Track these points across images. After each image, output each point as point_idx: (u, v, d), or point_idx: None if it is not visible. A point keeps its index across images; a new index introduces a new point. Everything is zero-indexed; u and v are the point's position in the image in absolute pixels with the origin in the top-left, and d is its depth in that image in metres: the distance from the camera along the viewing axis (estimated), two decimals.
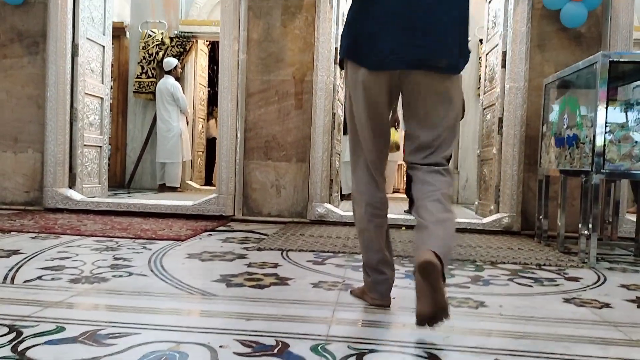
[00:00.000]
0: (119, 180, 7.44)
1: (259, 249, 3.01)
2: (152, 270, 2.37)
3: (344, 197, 6.44)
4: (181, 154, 6.99)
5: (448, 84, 1.70)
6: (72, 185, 4.68)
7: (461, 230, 4.11)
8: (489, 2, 4.71)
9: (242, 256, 2.80)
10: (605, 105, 2.87)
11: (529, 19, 4.09)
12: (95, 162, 5.09)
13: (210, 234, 3.56)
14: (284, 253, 2.93)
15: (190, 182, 7.44)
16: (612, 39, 4.01)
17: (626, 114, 3.19)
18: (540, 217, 3.73)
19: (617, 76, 3.00)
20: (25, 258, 2.55)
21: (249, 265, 2.57)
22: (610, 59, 2.89)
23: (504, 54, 4.20)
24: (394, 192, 7.89)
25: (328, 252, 3.01)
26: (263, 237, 3.51)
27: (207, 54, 8.06)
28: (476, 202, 4.95)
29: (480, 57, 5.90)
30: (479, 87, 6.20)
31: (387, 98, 1.75)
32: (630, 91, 3.25)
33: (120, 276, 2.24)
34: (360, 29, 1.71)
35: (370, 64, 1.69)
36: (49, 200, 4.50)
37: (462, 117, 5.21)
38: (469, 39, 1.80)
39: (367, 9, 1.69)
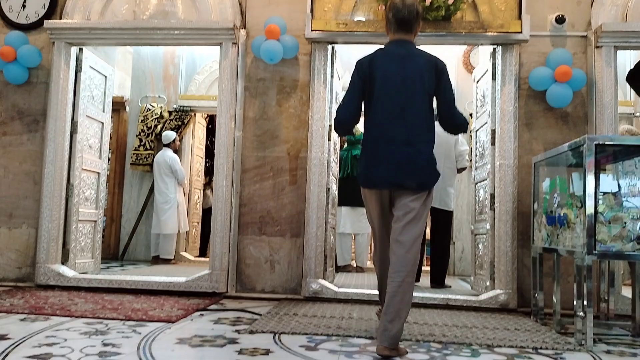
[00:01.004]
0: (112, 252, 7.39)
1: (251, 332, 2.96)
2: (140, 359, 2.32)
3: (339, 269, 6.40)
4: (177, 226, 7.00)
5: (416, 196, 2.73)
6: (64, 260, 4.65)
7: (457, 307, 4.07)
8: (477, 82, 4.89)
9: (233, 341, 2.75)
10: (594, 188, 2.92)
11: (516, 99, 4.23)
12: (89, 236, 5.08)
13: (202, 314, 3.51)
14: (276, 337, 2.88)
15: (184, 254, 7.39)
16: (598, 118, 4.13)
17: (618, 182, 3.23)
18: (536, 294, 3.71)
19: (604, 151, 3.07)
20: (13, 345, 2.50)
21: (240, 352, 2.52)
22: (597, 142, 2.97)
23: (493, 132, 4.31)
24: None
25: (321, 334, 2.96)
26: (256, 316, 3.46)
27: (205, 126, 8.24)
28: (472, 278, 4.92)
29: (471, 132, 6.03)
30: (471, 160, 6.30)
31: (385, 202, 2.87)
32: (619, 166, 3.32)
33: None
34: (364, 164, 2.84)
35: (371, 185, 2.84)
36: (40, 276, 4.45)
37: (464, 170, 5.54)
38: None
39: (368, 152, 2.81)
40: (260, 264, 4.39)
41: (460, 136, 5.31)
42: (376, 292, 3.36)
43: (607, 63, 4.16)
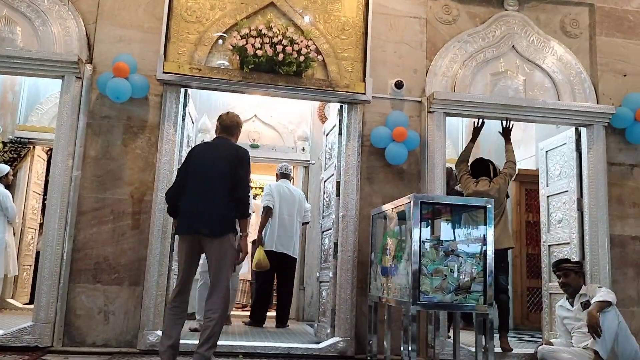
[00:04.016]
0: None
1: None
2: None
3: (189, 317, 6.13)
4: (4, 269, 6.26)
5: (212, 242, 3.38)
6: None
7: (298, 356, 4.10)
8: (326, 135, 5.13)
9: None
10: (419, 242, 3.16)
11: (359, 154, 4.50)
12: None
13: None
14: None
15: (11, 301, 6.61)
16: (429, 175, 4.52)
17: (454, 231, 3.55)
18: (371, 341, 3.87)
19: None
20: None
21: None
22: (422, 200, 3.24)
23: (338, 183, 4.52)
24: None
25: None
26: None
27: (46, 160, 7.59)
28: (315, 325, 5.01)
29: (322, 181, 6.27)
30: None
31: (191, 247, 3.46)
32: (445, 220, 3.66)
33: None
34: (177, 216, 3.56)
35: (179, 232, 3.53)
36: None
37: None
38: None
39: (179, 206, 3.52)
40: (93, 315, 4.07)
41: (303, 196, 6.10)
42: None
43: (438, 127, 4.60)
